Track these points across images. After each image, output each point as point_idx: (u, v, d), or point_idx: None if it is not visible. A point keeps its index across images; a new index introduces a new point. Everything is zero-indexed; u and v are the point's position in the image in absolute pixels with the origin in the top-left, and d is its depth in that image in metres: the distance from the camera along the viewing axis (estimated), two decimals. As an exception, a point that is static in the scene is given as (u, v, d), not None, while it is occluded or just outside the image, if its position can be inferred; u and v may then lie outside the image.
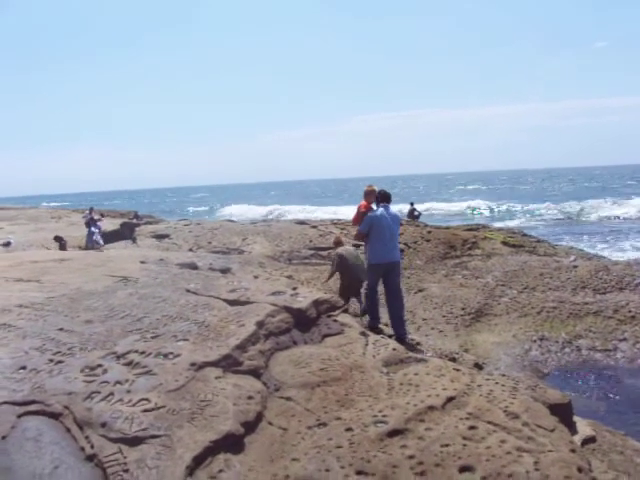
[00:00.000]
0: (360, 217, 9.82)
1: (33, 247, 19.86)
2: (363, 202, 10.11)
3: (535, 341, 11.11)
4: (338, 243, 11.20)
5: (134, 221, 28.37)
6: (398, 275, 9.69)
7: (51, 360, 5.22)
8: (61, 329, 6.03)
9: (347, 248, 10.76)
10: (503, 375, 6.48)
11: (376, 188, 10.00)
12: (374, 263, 9.47)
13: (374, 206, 9.81)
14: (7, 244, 19.16)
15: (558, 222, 44.80)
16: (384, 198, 9.71)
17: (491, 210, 58.41)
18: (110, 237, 22.89)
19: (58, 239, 20.44)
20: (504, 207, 59.84)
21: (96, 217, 25.85)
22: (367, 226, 9.43)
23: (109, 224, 25.23)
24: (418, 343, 9.48)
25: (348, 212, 38.45)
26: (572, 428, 5.43)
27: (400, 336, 9.12)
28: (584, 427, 6.21)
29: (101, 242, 20.25)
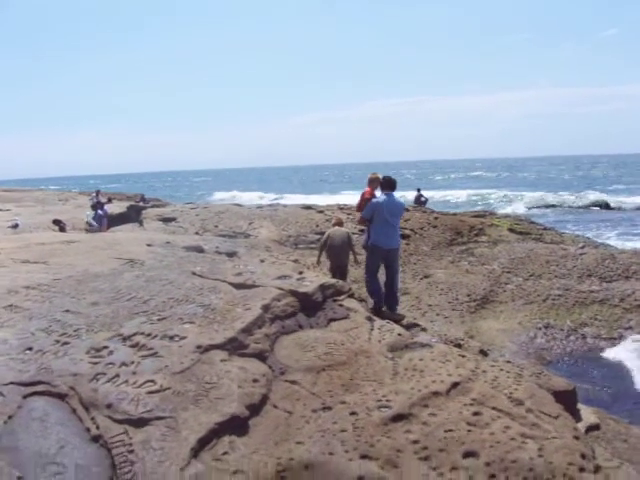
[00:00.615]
0: (364, 203, 9.95)
1: (40, 229, 19.85)
2: (367, 189, 10.27)
3: (540, 328, 11.13)
4: (337, 224, 11.38)
5: (141, 204, 28.40)
6: (396, 260, 9.93)
7: (57, 341, 5.25)
8: (67, 311, 6.05)
9: (337, 229, 11.06)
10: (508, 362, 6.46)
11: (380, 175, 10.12)
12: (375, 246, 9.61)
13: (378, 193, 9.94)
14: (15, 226, 19.13)
15: (565, 210, 44.59)
16: (388, 185, 9.76)
17: (497, 198, 58.08)
18: (117, 220, 22.89)
19: (57, 222, 20.39)
20: (509, 194, 59.52)
21: (103, 200, 25.85)
22: (370, 212, 9.56)
23: (116, 207, 25.25)
24: (424, 328, 9.49)
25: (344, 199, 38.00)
26: (576, 415, 5.44)
27: (389, 307, 9.57)
28: (588, 415, 6.23)
29: (94, 224, 20.09)
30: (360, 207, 10.23)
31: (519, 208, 45.30)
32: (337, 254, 10.88)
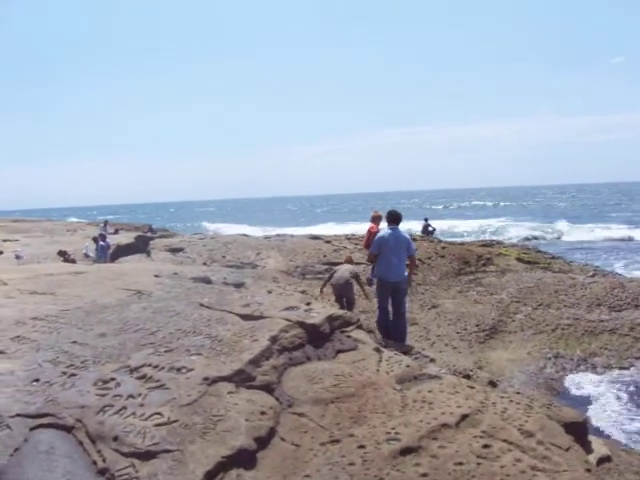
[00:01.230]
0: (370, 239, 10.55)
1: (48, 260, 19.94)
2: (372, 225, 11.26)
3: (550, 358, 11.06)
4: (347, 261, 11.92)
5: (148, 234, 28.52)
6: (404, 293, 10.25)
7: (64, 373, 5.23)
8: (75, 342, 6.05)
9: (345, 266, 11.55)
10: (518, 393, 6.41)
11: (382, 214, 10.70)
12: (382, 280, 9.95)
13: (383, 226, 10.47)
14: (18, 257, 19.28)
15: (573, 240, 44.45)
16: (393, 219, 10.03)
17: (502, 227, 58.06)
18: (124, 250, 22.99)
19: (62, 253, 20.49)
20: (514, 223, 59.53)
21: (110, 230, 25.95)
22: (377, 247, 9.89)
23: (123, 237, 25.37)
24: (432, 359, 9.44)
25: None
26: (587, 447, 5.37)
27: (398, 339, 9.76)
28: (600, 446, 6.15)
29: (90, 255, 20.12)
30: (367, 243, 10.88)
31: (522, 237, 45.31)
32: (339, 290, 11.33)
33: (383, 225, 10.52)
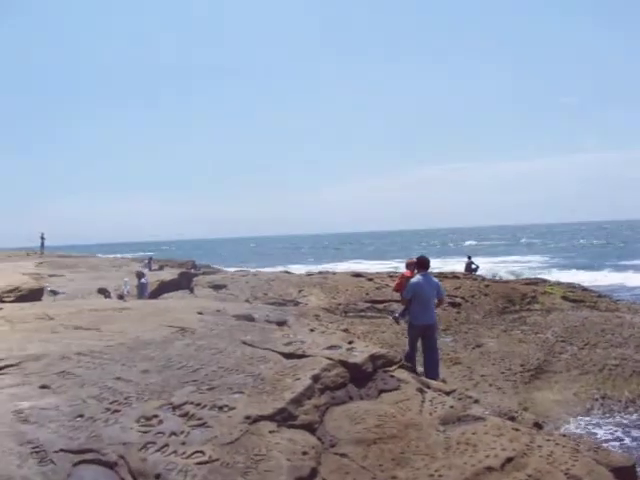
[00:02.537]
0: (403, 284, 11.57)
1: (92, 296, 20.24)
2: (406, 271, 12.37)
3: (597, 400, 10.81)
4: None
5: (192, 271, 28.77)
6: (434, 334, 10.94)
7: (108, 409, 5.26)
8: (118, 378, 6.09)
9: None
10: (564, 435, 6.27)
11: (415, 259, 11.54)
12: (414, 324, 10.64)
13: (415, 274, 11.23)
14: (55, 293, 19.56)
15: (618, 278, 43.50)
16: (423, 265, 10.85)
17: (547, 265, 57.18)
18: (168, 286, 23.22)
19: (102, 291, 20.77)
20: (560, 262, 58.73)
21: (155, 267, 26.22)
22: (411, 292, 10.59)
23: (167, 274, 25.65)
24: (476, 400, 9.29)
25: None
26: (637, 493, 5.21)
27: (431, 377, 9.86)
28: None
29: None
30: (398, 288, 12.10)
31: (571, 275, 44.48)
32: None
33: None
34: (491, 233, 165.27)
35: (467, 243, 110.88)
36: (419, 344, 10.78)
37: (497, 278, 28.82)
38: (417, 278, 10.74)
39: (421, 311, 10.47)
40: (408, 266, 12.38)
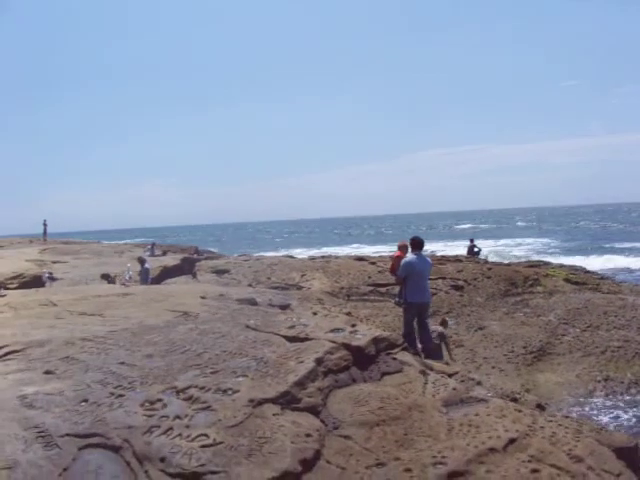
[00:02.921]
0: (396, 265, 11.53)
1: (95, 281, 20.24)
2: (398, 252, 12.31)
3: (599, 381, 10.81)
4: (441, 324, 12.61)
5: (195, 256, 28.76)
6: (427, 312, 11.13)
7: (112, 393, 5.29)
8: (122, 363, 6.11)
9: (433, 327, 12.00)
10: (566, 417, 6.28)
11: (407, 242, 11.61)
12: (410, 302, 10.64)
13: (408, 254, 11.34)
14: (52, 279, 19.46)
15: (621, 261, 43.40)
16: (417, 245, 10.88)
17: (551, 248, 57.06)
18: (171, 272, 23.23)
19: (105, 277, 20.77)
20: (565, 244, 58.58)
21: (158, 252, 26.19)
22: (404, 272, 10.67)
23: (170, 259, 25.64)
24: (479, 382, 9.31)
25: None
26: (639, 473, 5.23)
27: (426, 349, 10.37)
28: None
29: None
30: (393, 269, 12.08)
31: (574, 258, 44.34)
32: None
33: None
34: (490, 217, 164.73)
35: (461, 227, 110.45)
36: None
37: (499, 261, 28.74)
38: (410, 257, 10.86)
39: (416, 289, 10.55)
40: (400, 248, 12.42)
